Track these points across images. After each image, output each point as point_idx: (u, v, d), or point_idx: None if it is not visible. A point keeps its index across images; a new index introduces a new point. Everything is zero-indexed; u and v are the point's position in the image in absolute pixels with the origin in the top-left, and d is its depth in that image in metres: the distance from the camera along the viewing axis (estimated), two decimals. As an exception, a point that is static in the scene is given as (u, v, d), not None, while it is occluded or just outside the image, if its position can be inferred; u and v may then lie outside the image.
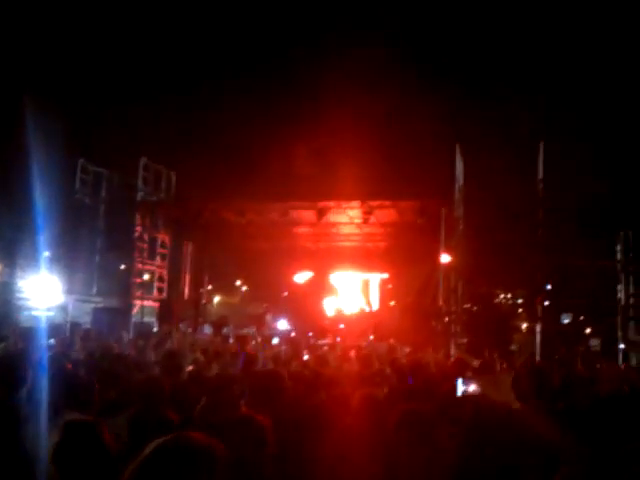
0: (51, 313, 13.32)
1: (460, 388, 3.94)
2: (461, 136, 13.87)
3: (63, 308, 14.14)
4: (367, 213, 15.65)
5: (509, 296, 15.94)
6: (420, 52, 13.20)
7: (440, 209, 14.27)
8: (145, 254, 17.00)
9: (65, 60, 13.22)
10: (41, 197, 12.85)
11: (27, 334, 9.36)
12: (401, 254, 16.25)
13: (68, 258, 14.97)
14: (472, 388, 3.40)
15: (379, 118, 13.89)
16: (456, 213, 13.78)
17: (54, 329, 9.93)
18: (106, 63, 14.20)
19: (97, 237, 16.19)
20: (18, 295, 13.78)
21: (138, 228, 16.58)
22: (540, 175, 13.41)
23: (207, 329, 15.78)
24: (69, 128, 12.89)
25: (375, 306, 17.85)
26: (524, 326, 14.81)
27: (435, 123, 13.34)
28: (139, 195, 16.58)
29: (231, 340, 15.22)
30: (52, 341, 8.48)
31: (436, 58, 13.19)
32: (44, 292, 13.91)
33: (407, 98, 13.65)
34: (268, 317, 16.93)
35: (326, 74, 13.57)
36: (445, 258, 14.56)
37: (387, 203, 15.38)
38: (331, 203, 15.70)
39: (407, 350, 10.36)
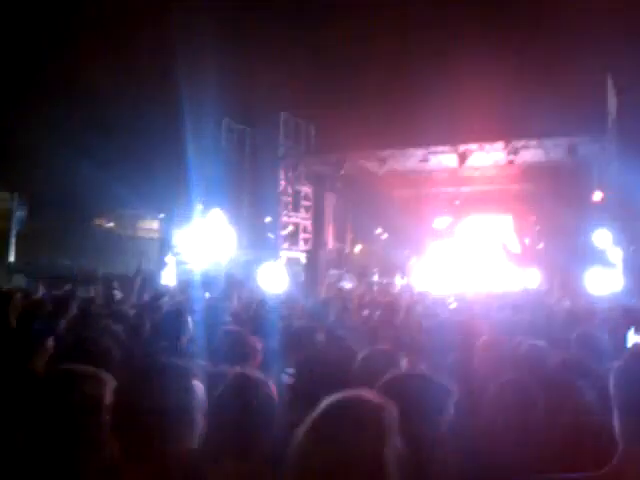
0: (205, 266, 14.07)
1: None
2: (613, 67, 12.88)
3: (217, 261, 14.93)
4: (512, 154, 15.01)
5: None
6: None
7: (592, 145, 13.41)
8: (289, 207, 17.64)
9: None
10: (193, 154, 13.62)
11: (184, 287, 10.04)
12: (550, 196, 15.43)
13: (230, 212, 15.70)
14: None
15: (520, 52, 13.08)
16: (610, 149, 12.90)
17: (209, 282, 10.42)
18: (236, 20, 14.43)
19: (243, 192, 16.92)
20: (174, 249, 14.71)
21: (282, 182, 17.26)
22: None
23: (349, 278, 16.10)
24: (213, 89, 13.40)
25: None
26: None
27: (584, 53, 12.37)
28: (281, 150, 17.12)
29: (375, 288, 15.54)
30: (207, 294, 8.89)
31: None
32: (198, 245, 14.78)
33: (549, 28, 12.75)
34: (411, 263, 16.97)
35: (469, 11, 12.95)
36: (598, 196, 13.76)
37: (533, 142, 14.66)
38: (473, 146, 15.23)
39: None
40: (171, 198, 15.04)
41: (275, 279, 13.85)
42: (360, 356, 3.30)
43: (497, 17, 12.70)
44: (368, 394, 1.64)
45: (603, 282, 12.48)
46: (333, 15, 14.06)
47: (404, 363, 3.44)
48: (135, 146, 14.49)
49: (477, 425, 2.59)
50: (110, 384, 2.12)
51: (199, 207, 15.13)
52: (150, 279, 10.61)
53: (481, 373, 3.37)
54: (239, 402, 2.29)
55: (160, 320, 5.20)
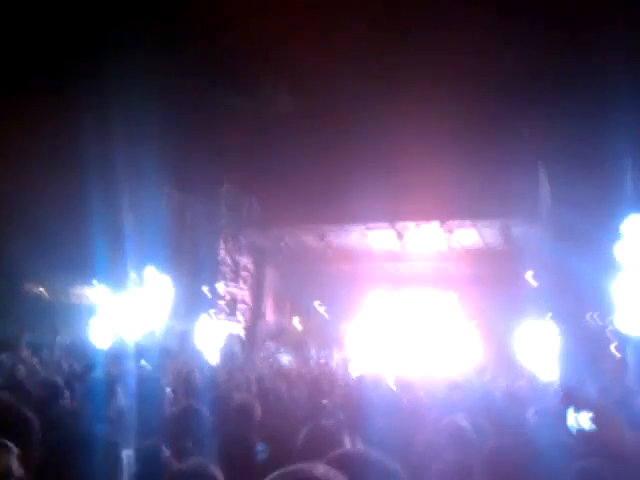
0: (139, 336, 13.66)
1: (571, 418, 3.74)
2: (545, 156, 13.59)
3: (151, 331, 14.52)
4: (448, 233, 15.47)
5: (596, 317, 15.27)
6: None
7: (526, 230, 13.97)
8: (228, 277, 17.47)
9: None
10: (131, 221, 13.41)
11: (116, 357, 9.68)
12: (487, 277, 15.81)
13: (167, 281, 15.41)
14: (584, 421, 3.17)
15: (457, 133, 13.64)
16: (544, 236, 13.47)
17: (143, 352, 10.13)
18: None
19: (182, 260, 16.66)
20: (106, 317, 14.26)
21: (221, 251, 17.15)
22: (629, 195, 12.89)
23: (286, 352, 15.91)
24: (153, 157, 13.37)
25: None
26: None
27: (517, 142, 13.03)
28: (222, 220, 17.09)
29: (311, 362, 15.37)
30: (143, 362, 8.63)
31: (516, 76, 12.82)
32: (132, 313, 14.36)
33: (485, 116, 13.39)
34: (348, 338, 16.95)
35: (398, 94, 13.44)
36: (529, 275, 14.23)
37: (467, 223, 15.16)
38: (410, 224, 15.62)
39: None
40: (106, 265, 14.65)
41: (211, 349, 13.54)
42: (304, 431, 3.20)
43: (432, 99, 13.22)
44: (321, 468, 1.56)
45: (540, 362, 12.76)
46: (275, 89, 14.39)
47: (347, 440, 3.36)
48: (69, 211, 14.14)
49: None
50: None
51: (134, 275, 14.81)
52: (78, 346, 10.21)
53: (424, 452, 3.32)
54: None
55: (89, 390, 4.98)
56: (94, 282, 15.59)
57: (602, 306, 13.67)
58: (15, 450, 2.04)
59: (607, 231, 12.63)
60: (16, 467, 1.96)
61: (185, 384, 6.16)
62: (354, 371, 11.71)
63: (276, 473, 1.53)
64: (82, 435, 2.03)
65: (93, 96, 13.20)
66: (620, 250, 12.68)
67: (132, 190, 13.64)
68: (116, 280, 14.72)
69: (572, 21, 11.82)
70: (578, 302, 13.77)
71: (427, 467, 2.83)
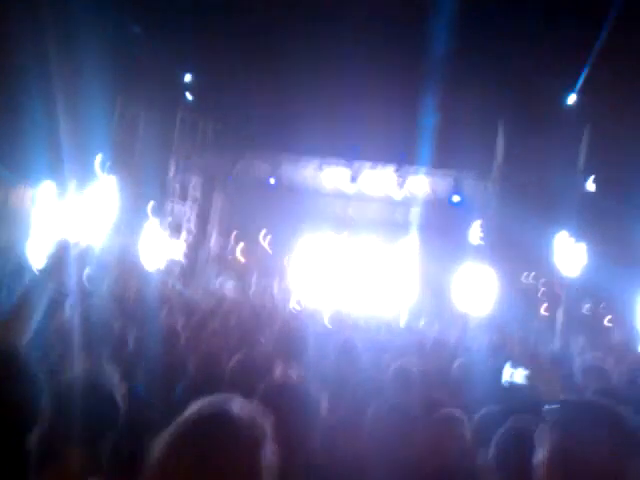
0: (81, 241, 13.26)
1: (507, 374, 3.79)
2: (505, 115, 13.65)
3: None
4: (401, 178, 15.53)
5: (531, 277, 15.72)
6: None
7: (477, 184, 14.11)
8: (176, 196, 17.20)
9: None
10: (80, 126, 12.92)
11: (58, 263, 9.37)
12: (432, 227, 15.98)
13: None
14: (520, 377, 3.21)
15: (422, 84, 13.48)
16: (493, 191, 13.65)
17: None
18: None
19: (130, 174, 16.20)
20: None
21: (172, 170, 16.82)
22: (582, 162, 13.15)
23: (228, 278, 15.90)
24: (111, 66, 12.78)
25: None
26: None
27: (479, 99, 12.97)
28: (176, 140, 16.70)
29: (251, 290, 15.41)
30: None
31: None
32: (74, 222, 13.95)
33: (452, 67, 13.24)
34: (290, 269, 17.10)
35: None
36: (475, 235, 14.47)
37: (422, 170, 15.22)
38: (366, 163, 15.60)
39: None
40: (48, 165, 14.04)
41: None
42: (236, 358, 3.18)
43: (398, 42, 12.96)
44: (237, 404, 1.54)
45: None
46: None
47: (278, 370, 3.37)
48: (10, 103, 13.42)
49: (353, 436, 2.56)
50: None
51: (77, 180, 14.32)
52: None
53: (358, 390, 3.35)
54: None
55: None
56: (35, 182, 14.97)
57: (539, 267, 14.10)
58: None
59: (553, 195, 12.91)
60: None
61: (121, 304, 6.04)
62: (293, 303, 11.79)
63: (195, 405, 1.52)
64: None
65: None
66: (563, 214, 13.06)
67: (82, 90, 12.98)
68: (58, 182, 14.19)
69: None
70: (517, 261, 14.11)
71: (361, 406, 2.85)
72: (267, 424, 1.53)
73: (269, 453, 1.49)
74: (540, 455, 1.72)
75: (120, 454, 2.06)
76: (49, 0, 12.23)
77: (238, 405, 1.53)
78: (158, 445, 1.45)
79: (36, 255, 11.91)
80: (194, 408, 1.51)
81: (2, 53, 12.19)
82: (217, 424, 1.48)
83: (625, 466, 1.62)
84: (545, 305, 14.80)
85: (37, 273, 2.47)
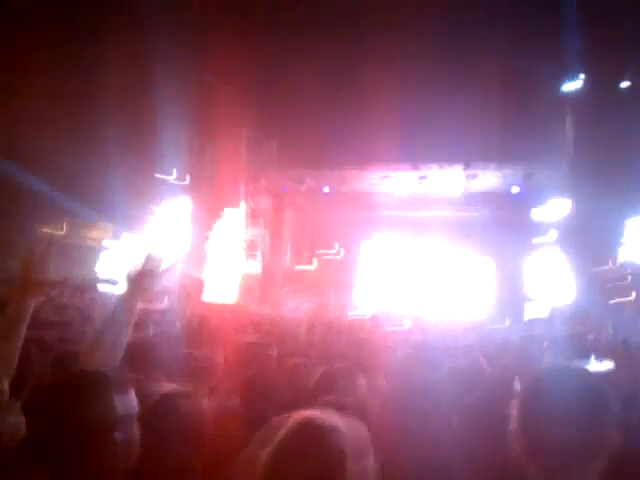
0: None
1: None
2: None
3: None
4: (470, 178, 15.23)
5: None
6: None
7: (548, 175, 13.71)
8: (249, 219, 17.43)
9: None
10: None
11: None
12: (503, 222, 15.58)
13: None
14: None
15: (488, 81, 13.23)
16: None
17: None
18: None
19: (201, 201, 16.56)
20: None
21: (243, 194, 17.07)
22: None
23: (304, 296, 15.94)
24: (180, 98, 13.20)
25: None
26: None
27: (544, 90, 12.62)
28: (242, 162, 16.95)
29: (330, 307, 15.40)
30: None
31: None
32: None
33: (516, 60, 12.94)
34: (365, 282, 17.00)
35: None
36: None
37: (491, 166, 14.89)
38: (432, 166, 15.40)
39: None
40: (115, 204, 14.55)
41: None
42: (317, 374, 3.16)
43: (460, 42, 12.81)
44: (335, 417, 1.57)
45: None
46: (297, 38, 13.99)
47: (361, 382, 3.31)
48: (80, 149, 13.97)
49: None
50: None
51: (147, 215, 14.79)
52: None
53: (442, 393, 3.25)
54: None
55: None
56: (103, 221, 15.53)
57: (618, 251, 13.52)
58: None
59: (630, 179, 12.37)
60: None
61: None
62: (369, 313, 11.72)
63: (293, 420, 1.54)
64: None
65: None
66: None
67: (148, 128, 13.42)
68: (127, 219, 14.67)
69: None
70: (597, 248, 13.55)
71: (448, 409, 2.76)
72: (363, 436, 1.57)
73: (363, 466, 1.51)
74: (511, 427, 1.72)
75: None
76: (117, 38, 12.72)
77: (336, 419, 1.56)
78: (260, 459, 1.49)
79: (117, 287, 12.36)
80: (294, 421, 1.54)
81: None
82: (309, 433, 1.51)
83: (590, 435, 1.60)
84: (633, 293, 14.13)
85: (124, 288, 2.42)
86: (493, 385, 3.68)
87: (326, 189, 16.64)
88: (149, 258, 2.45)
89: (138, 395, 1.93)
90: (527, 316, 12.71)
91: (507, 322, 11.41)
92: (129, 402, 1.87)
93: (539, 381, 1.77)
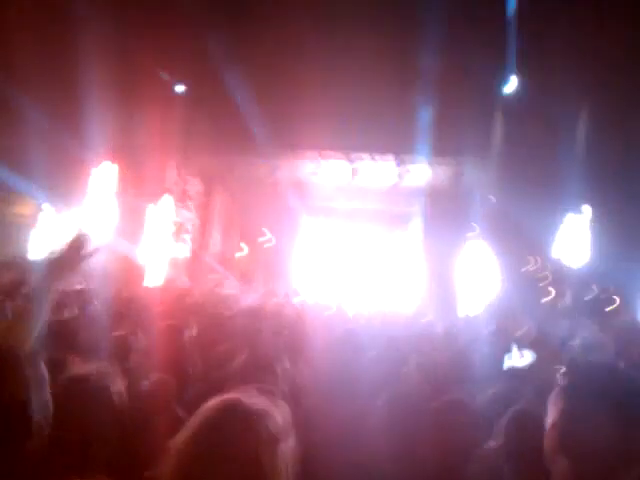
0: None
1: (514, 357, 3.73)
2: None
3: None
4: (401, 169, 15.47)
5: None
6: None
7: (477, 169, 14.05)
8: (177, 201, 17.13)
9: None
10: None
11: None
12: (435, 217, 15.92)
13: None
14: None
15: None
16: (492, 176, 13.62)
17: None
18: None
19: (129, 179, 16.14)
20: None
21: (172, 175, 16.74)
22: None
23: (232, 283, 15.83)
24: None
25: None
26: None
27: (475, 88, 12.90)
28: (173, 144, 16.60)
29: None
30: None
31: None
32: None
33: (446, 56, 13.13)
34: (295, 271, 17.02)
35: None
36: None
37: (421, 158, 15.14)
38: (364, 155, 15.53)
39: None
40: (46, 179, 14.02)
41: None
42: (241, 356, 3.16)
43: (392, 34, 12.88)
44: (255, 398, 1.55)
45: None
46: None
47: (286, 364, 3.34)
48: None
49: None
50: None
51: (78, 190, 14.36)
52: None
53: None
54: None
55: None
56: (34, 198, 14.98)
57: (544, 249, 14.04)
58: None
59: (555, 177, 12.83)
60: None
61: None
62: (299, 299, 11.78)
63: (214, 401, 1.52)
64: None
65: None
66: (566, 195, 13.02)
67: (76, 102, 12.94)
68: (57, 197, 14.20)
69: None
70: (522, 245, 14.02)
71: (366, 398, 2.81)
72: (287, 418, 1.55)
73: (288, 447, 1.50)
74: (549, 421, 1.67)
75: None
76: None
77: (254, 399, 1.54)
78: (178, 438, 1.47)
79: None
80: (211, 403, 1.53)
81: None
82: (233, 416, 1.48)
83: (629, 434, 1.55)
84: (551, 290, 14.73)
85: (46, 265, 2.35)
86: (412, 377, 3.78)
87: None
88: (77, 238, 2.40)
89: (52, 373, 1.89)
90: (460, 312, 13.06)
91: (431, 317, 11.68)
92: (41, 377, 1.84)
93: (584, 378, 1.72)
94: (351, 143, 14.80)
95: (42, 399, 1.79)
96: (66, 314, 4.87)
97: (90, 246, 2.37)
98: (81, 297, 6.08)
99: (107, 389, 2.31)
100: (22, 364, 1.80)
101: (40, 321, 2.25)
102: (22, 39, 12.12)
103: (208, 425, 1.47)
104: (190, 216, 17.61)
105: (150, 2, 13.35)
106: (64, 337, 3.52)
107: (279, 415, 1.53)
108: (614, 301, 13.53)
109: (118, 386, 2.43)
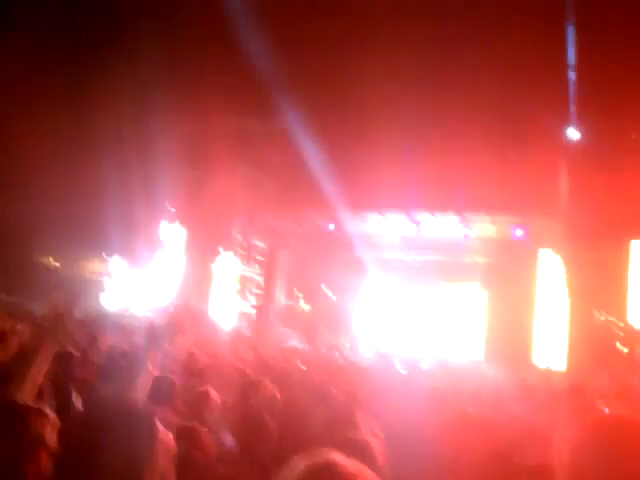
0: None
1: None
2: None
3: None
4: (464, 225, 15.45)
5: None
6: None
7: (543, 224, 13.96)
8: (242, 259, 17.44)
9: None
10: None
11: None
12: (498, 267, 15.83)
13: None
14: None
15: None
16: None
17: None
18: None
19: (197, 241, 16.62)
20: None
21: (237, 233, 17.11)
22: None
23: (297, 337, 15.91)
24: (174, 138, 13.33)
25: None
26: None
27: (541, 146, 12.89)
28: (238, 202, 17.03)
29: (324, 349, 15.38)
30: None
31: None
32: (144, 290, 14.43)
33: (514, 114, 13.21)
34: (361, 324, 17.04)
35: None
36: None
37: (485, 216, 15.11)
38: (425, 213, 15.58)
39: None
40: (118, 241, 14.59)
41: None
42: (317, 414, 3.23)
43: (456, 94, 13.09)
44: (341, 459, 1.51)
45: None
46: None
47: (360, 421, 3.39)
48: (83, 184, 14.07)
49: None
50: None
51: (146, 251, 14.85)
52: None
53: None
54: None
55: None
56: (105, 255, 15.62)
57: (611, 304, 13.66)
58: (52, 419, 2.09)
59: (623, 231, 12.61)
60: (49, 436, 2.01)
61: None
62: (363, 353, 11.78)
63: (303, 462, 1.49)
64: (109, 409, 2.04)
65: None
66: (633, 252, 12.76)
67: (146, 166, 13.55)
68: (128, 255, 14.76)
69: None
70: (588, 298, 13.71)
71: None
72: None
73: None
74: None
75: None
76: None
77: (343, 461, 1.50)
78: None
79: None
80: (301, 464, 1.49)
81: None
82: (332, 475, 1.45)
83: None
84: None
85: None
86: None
87: (331, 226, 16.72)
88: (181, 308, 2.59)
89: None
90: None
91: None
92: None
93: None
94: (413, 201, 14.88)
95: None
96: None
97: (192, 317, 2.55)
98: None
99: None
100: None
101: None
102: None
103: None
104: (254, 272, 17.93)
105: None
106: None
107: (370, 474, 1.50)
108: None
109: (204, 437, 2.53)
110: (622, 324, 13.16)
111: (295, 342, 15.24)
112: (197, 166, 16.24)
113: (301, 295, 18.99)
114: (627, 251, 13.04)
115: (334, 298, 18.28)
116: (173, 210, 15.51)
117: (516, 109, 12.37)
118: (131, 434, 1.82)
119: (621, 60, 11.75)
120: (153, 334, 2.48)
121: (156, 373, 3.53)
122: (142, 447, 1.81)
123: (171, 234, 15.75)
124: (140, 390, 2.40)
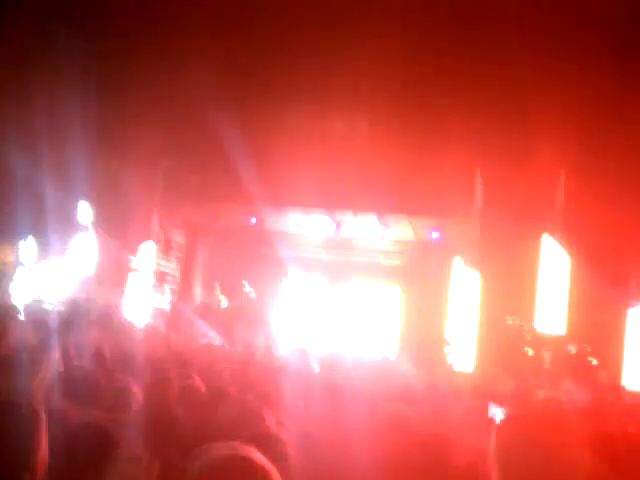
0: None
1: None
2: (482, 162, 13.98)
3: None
4: (384, 226, 15.75)
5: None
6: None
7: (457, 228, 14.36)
8: (160, 251, 17.12)
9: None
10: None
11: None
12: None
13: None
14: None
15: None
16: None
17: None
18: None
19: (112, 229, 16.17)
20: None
21: (156, 226, 16.76)
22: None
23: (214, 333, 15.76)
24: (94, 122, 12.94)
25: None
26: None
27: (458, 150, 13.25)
28: (158, 195, 16.70)
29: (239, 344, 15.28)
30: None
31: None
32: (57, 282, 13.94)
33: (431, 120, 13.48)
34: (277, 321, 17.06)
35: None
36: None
37: (403, 217, 15.45)
38: (347, 212, 15.78)
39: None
40: (29, 226, 13.97)
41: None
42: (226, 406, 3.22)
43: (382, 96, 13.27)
44: (253, 453, 1.53)
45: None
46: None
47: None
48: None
49: None
50: None
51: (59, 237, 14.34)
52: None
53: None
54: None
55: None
56: (16, 241, 14.92)
57: (521, 307, 14.24)
58: None
59: (530, 239, 13.18)
60: None
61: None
62: (279, 350, 11.80)
63: (214, 449, 1.50)
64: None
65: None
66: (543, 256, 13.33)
67: (61, 149, 13.03)
68: (39, 242, 14.18)
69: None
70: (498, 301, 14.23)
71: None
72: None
73: None
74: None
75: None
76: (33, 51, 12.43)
77: (255, 455, 1.52)
78: None
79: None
80: (215, 452, 1.50)
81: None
82: (242, 470, 1.46)
83: None
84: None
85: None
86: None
87: (253, 220, 16.69)
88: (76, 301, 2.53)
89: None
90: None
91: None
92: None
93: None
94: (334, 201, 15.05)
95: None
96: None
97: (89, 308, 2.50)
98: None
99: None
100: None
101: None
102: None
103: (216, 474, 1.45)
104: (172, 266, 17.66)
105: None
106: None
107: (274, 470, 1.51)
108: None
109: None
110: (530, 328, 13.77)
111: (211, 338, 15.09)
112: (114, 153, 15.82)
113: (219, 291, 18.80)
114: (537, 253, 13.61)
115: (253, 295, 18.17)
116: (88, 198, 15.01)
117: (435, 112, 12.64)
118: (12, 427, 1.80)
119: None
120: (56, 327, 2.41)
121: (61, 368, 3.43)
122: (23, 440, 1.79)
123: (86, 221, 15.25)
124: (39, 384, 2.32)
